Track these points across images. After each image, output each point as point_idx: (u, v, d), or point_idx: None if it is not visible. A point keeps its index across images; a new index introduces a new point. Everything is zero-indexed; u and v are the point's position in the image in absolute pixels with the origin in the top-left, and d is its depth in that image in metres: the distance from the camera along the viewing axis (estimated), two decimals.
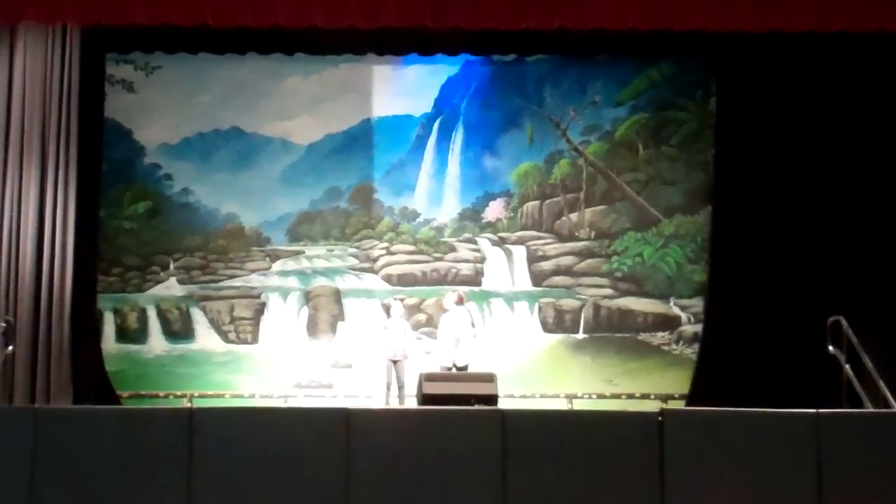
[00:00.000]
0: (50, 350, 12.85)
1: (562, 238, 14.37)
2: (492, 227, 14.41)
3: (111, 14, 11.70)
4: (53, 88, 13.20)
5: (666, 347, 14.12)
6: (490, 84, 14.49)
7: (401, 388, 12.61)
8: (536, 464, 7.97)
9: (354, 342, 13.99)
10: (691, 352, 13.92)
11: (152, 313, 14.14)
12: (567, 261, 14.32)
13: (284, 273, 14.31)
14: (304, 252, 14.36)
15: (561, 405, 13.28)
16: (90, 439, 7.99)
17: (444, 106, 14.48)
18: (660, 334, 14.14)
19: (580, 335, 14.18)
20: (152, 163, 14.30)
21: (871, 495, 7.93)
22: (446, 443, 8.01)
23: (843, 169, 13.23)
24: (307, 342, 14.09)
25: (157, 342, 14.10)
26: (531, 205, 14.43)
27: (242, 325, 14.15)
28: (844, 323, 10.87)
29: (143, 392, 13.59)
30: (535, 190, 14.45)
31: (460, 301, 12.82)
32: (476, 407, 10.15)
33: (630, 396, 13.68)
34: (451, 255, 14.37)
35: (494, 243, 14.40)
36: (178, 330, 14.13)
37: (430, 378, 11.32)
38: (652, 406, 12.91)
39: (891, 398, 10.17)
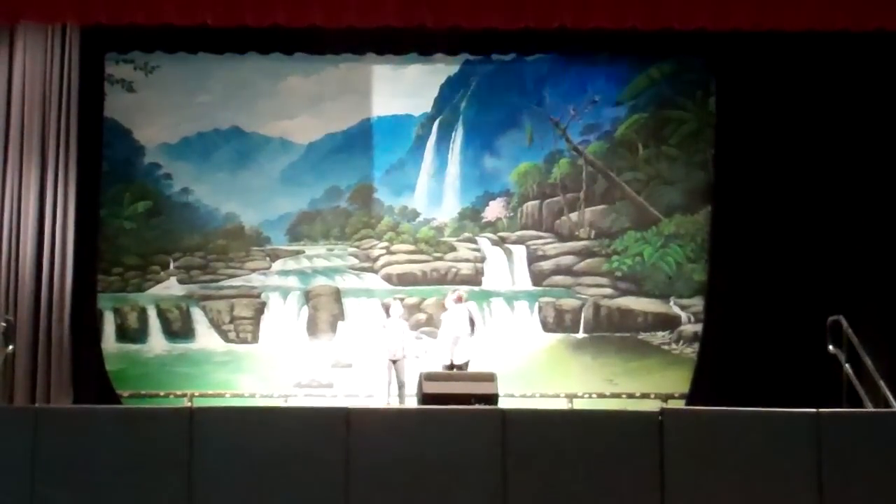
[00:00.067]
0: (50, 350, 12.85)
1: (562, 237, 14.37)
2: (492, 226, 14.41)
3: (111, 14, 11.70)
4: (53, 88, 13.20)
5: (666, 347, 14.12)
6: (490, 83, 14.48)
7: (401, 387, 12.62)
8: (537, 463, 7.97)
9: (354, 342, 13.99)
10: (691, 351, 13.92)
11: (152, 313, 14.14)
12: (567, 260, 14.32)
13: (284, 272, 14.31)
14: (304, 251, 14.36)
15: (561, 405, 13.28)
16: (90, 439, 7.99)
17: (444, 105, 14.47)
18: (660, 334, 14.14)
19: (580, 335, 14.18)
20: (152, 162, 14.30)
21: (872, 495, 7.94)
22: (446, 442, 8.01)
23: (843, 168, 13.22)
24: (307, 342, 14.09)
25: (157, 342, 14.10)
26: (531, 204, 14.42)
27: (242, 324, 14.15)
28: (844, 322, 10.87)
29: (143, 391, 13.59)
30: (534, 189, 14.45)
31: (459, 300, 12.82)
32: (476, 406, 10.15)
33: (630, 396, 13.68)
34: (451, 255, 14.36)
35: (494, 243, 14.40)
36: (179, 329, 14.13)
37: (430, 377, 11.32)
38: (652, 405, 12.91)
39: (891, 398, 10.17)
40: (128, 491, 7.89)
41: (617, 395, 13.68)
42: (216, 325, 14.13)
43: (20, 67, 13.17)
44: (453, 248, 14.38)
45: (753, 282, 13.24)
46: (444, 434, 8.08)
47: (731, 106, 13.76)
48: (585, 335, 14.18)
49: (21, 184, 13.07)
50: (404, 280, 14.29)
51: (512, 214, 14.40)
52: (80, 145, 13.23)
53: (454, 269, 14.32)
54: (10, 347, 12.05)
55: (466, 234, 14.39)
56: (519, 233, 14.39)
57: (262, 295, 14.22)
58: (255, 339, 14.12)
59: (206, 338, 14.12)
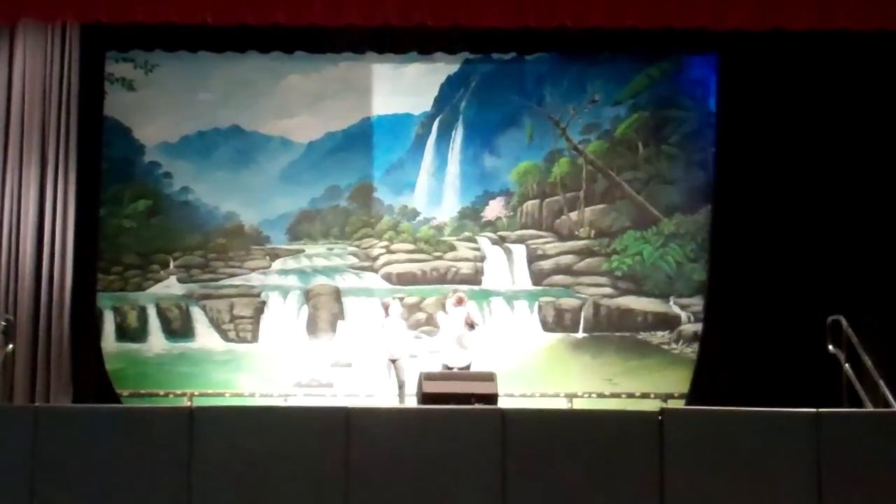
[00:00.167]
0: (50, 349, 12.84)
1: (561, 237, 14.36)
2: (491, 225, 14.41)
3: (111, 12, 11.70)
4: (53, 87, 13.19)
5: (666, 346, 14.12)
6: (490, 82, 14.46)
7: (400, 386, 12.62)
8: (536, 462, 7.98)
9: (354, 341, 13.98)
10: (691, 351, 13.91)
11: (152, 312, 14.13)
12: (567, 260, 14.32)
13: (284, 272, 14.31)
14: (303, 251, 14.35)
15: (561, 404, 13.28)
16: (90, 438, 7.99)
17: (444, 104, 14.46)
18: (659, 333, 14.13)
19: (580, 334, 14.18)
20: (152, 161, 14.29)
21: (871, 494, 7.94)
22: (446, 442, 8.01)
23: (843, 168, 13.21)
24: (307, 341, 14.08)
25: (156, 341, 14.10)
26: (531, 203, 14.42)
27: (242, 323, 14.15)
28: (844, 322, 10.88)
29: (142, 391, 13.58)
30: (534, 189, 14.44)
31: (459, 302, 12.81)
32: (476, 406, 10.15)
33: (630, 395, 13.67)
34: (450, 254, 14.36)
35: (494, 242, 14.39)
36: (178, 329, 14.13)
37: (429, 377, 11.32)
38: (652, 405, 12.90)
39: (890, 397, 10.17)
40: (127, 490, 7.89)
41: (617, 395, 13.68)
42: (216, 325, 14.13)
43: (20, 66, 13.16)
44: (453, 248, 14.37)
45: (753, 281, 13.23)
46: (443, 434, 8.08)
47: (732, 105, 13.74)
48: (585, 335, 14.17)
49: (21, 182, 13.06)
50: (404, 279, 14.29)
51: (512, 214, 14.39)
52: (79, 144, 13.22)
53: (454, 269, 14.32)
54: (10, 346, 12.05)
55: (466, 234, 14.39)
56: (519, 232, 14.39)
57: (262, 294, 14.22)
58: (254, 339, 14.12)
59: (205, 337, 14.11)
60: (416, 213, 14.42)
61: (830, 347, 10.97)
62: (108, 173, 13.93)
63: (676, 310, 14.15)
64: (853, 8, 11.40)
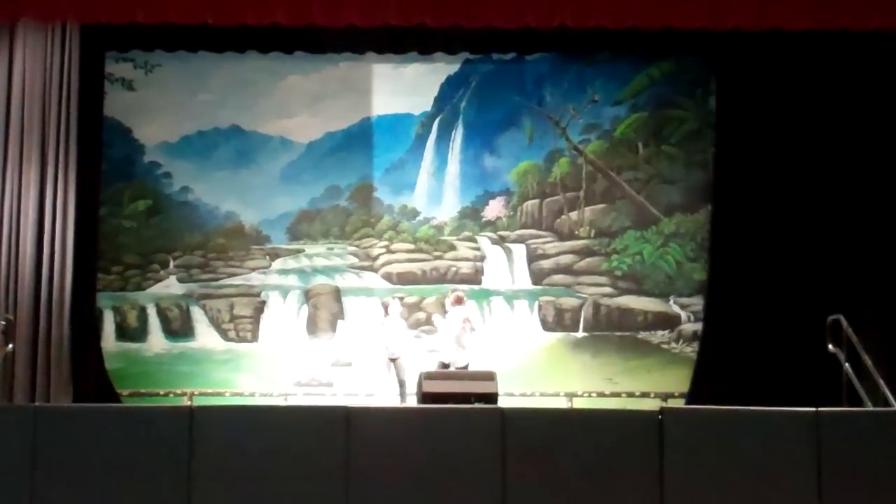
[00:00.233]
0: (50, 348, 12.85)
1: (561, 237, 14.37)
2: (491, 225, 14.41)
3: (111, 12, 11.71)
4: (53, 87, 13.20)
5: (666, 346, 14.13)
6: (490, 82, 14.48)
7: (401, 385, 12.63)
8: (536, 462, 7.97)
9: (354, 340, 13.99)
10: (691, 350, 13.92)
11: (152, 311, 14.14)
12: (567, 259, 14.32)
13: (284, 271, 14.31)
14: (303, 250, 14.36)
15: (561, 403, 13.28)
16: (90, 438, 7.99)
17: (444, 104, 14.47)
18: (659, 333, 14.14)
19: (580, 334, 14.19)
20: (152, 161, 14.30)
21: (871, 494, 7.93)
22: (446, 441, 8.01)
23: (842, 167, 13.23)
24: (307, 340, 14.09)
25: (156, 340, 14.11)
26: (531, 203, 14.43)
27: (242, 323, 14.16)
28: (844, 322, 10.87)
29: (142, 390, 13.59)
30: (534, 188, 14.45)
31: (458, 301, 12.83)
32: (476, 405, 10.15)
33: (630, 395, 13.68)
34: (450, 254, 14.37)
35: (494, 242, 14.40)
36: (178, 328, 14.14)
37: (429, 376, 11.32)
38: (652, 404, 12.90)
39: (890, 397, 10.17)
40: (127, 489, 7.89)
41: (616, 394, 13.69)
42: (216, 324, 14.13)
43: (20, 66, 13.17)
44: (453, 247, 14.38)
45: (753, 281, 13.24)
46: (443, 433, 8.07)
47: (732, 105, 13.75)
48: (585, 334, 14.18)
49: (21, 182, 13.07)
50: (404, 279, 14.29)
51: (512, 213, 14.40)
52: (79, 144, 13.23)
53: (454, 268, 14.33)
54: (10, 346, 12.06)
55: (466, 233, 14.39)
56: (519, 232, 14.40)
57: (262, 294, 14.23)
58: (254, 338, 14.12)
59: (205, 336, 14.12)
60: (416, 213, 14.42)
61: (830, 347, 10.96)
62: (108, 173, 13.94)
63: (676, 309, 14.16)
64: (852, 8, 11.40)
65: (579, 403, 13.28)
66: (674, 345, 14.11)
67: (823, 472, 7.93)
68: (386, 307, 13.41)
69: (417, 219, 14.42)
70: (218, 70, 14.27)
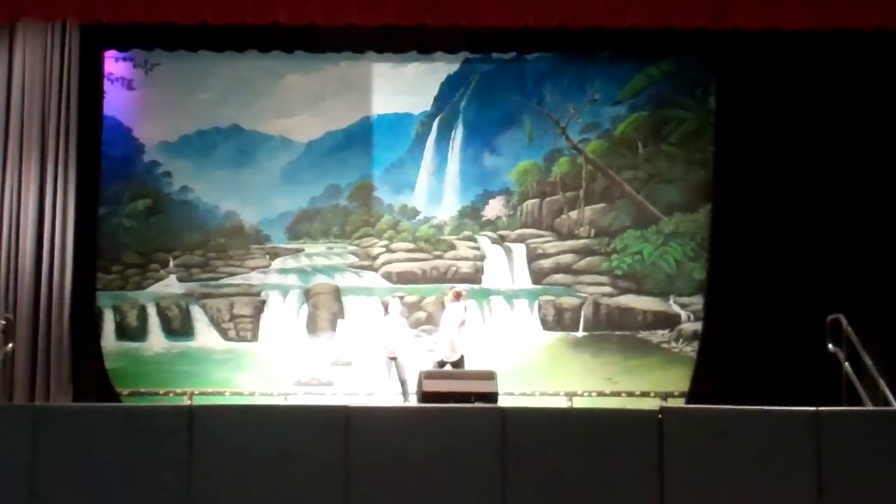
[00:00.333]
0: (50, 348, 12.85)
1: (561, 236, 14.37)
2: (491, 224, 14.41)
3: (110, 11, 11.72)
4: (52, 86, 13.19)
5: (666, 345, 14.13)
6: (490, 82, 14.48)
7: (402, 384, 12.64)
8: (536, 461, 7.97)
9: (354, 340, 13.99)
10: (691, 350, 13.92)
11: (152, 311, 14.14)
12: (567, 259, 14.32)
13: (284, 271, 14.31)
14: (303, 250, 14.36)
15: (561, 403, 13.28)
16: (90, 437, 7.99)
17: (444, 104, 14.47)
18: (659, 332, 14.14)
19: (580, 333, 14.19)
20: (152, 160, 14.30)
21: (871, 493, 7.93)
22: (446, 440, 8.01)
23: (842, 167, 13.22)
24: (307, 340, 14.09)
25: (156, 340, 14.10)
26: (531, 203, 14.43)
27: (242, 322, 14.15)
28: (844, 321, 10.86)
29: (142, 390, 13.59)
30: (534, 188, 14.45)
31: (456, 297, 12.85)
32: (476, 405, 10.15)
33: (630, 394, 13.68)
34: (450, 253, 14.37)
35: (494, 241, 14.40)
36: (178, 327, 14.14)
37: (429, 376, 11.33)
38: (651, 404, 12.91)
39: (890, 396, 10.17)
40: (127, 489, 7.89)
41: (616, 394, 13.69)
42: (216, 324, 14.13)
43: (20, 65, 13.17)
44: (453, 247, 14.38)
45: (753, 280, 13.24)
46: (443, 432, 8.07)
47: (731, 104, 13.75)
48: (585, 333, 14.18)
49: (21, 181, 13.06)
50: (404, 278, 14.29)
51: (512, 213, 14.40)
52: (79, 143, 13.22)
53: (454, 268, 14.33)
54: (10, 345, 12.06)
55: (466, 233, 14.40)
56: (519, 231, 14.40)
57: (262, 293, 14.23)
58: (254, 338, 14.12)
59: (205, 336, 14.12)
60: (415, 213, 14.42)
61: (830, 346, 10.96)
62: (107, 172, 13.93)
63: (676, 308, 14.16)
64: (852, 7, 11.40)
65: (579, 403, 13.28)
66: (674, 344, 14.11)
67: (823, 471, 7.93)
68: (386, 306, 13.42)
69: (417, 218, 14.42)
70: (218, 69, 14.27)
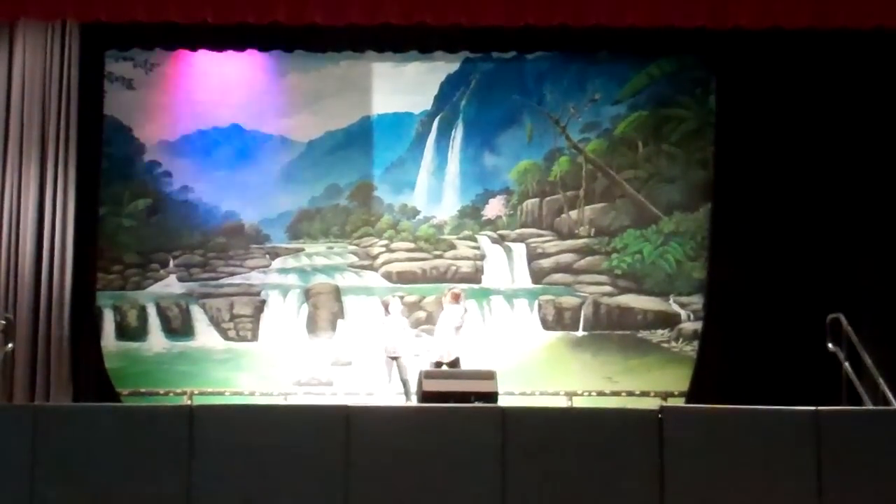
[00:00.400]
0: (49, 348, 12.84)
1: (561, 235, 14.37)
2: (491, 224, 14.41)
3: (111, 11, 11.68)
4: (53, 85, 13.19)
5: (666, 345, 14.12)
6: (490, 81, 14.48)
7: (404, 384, 12.64)
8: (536, 461, 7.97)
9: (354, 339, 13.99)
10: (691, 349, 13.92)
11: (152, 311, 14.14)
12: (567, 258, 14.32)
13: (284, 270, 14.31)
14: (303, 249, 14.36)
15: (561, 402, 13.28)
16: (90, 437, 7.99)
17: (444, 103, 14.47)
18: (659, 332, 14.14)
19: (580, 333, 14.18)
20: (152, 160, 14.30)
21: (871, 493, 7.93)
22: (446, 440, 8.01)
23: (842, 166, 13.22)
24: (307, 340, 14.09)
25: (156, 340, 14.10)
26: (531, 202, 14.43)
27: (242, 322, 14.15)
28: (844, 320, 10.87)
29: (142, 389, 13.59)
30: (534, 187, 14.45)
31: (454, 299, 12.85)
32: (476, 404, 10.15)
33: (630, 394, 13.68)
34: (450, 253, 14.37)
35: (494, 241, 14.40)
36: (178, 327, 14.14)
37: (429, 375, 11.34)
38: (651, 403, 12.88)
39: (890, 396, 10.17)
40: (127, 489, 7.89)
41: (616, 393, 13.69)
42: (216, 323, 14.13)
43: (20, 64, 13.17)
44: (453, 246, 14.38)
45: (753, 279, 13.24)
46: (443, 432, 8.07)
47: (731, 104, 13.75)
48: (585, 333, 14.18)
49: (21, 181, 13.06)
50: (404, 278, 14.29)
51: (512, 212, 14.40)
52: (79, 143, 13.22)
53: (454, 267, 14.32)
54: (10, 345, 12.05)
55: (466, 232, 14.39)
56: (519, 231, 14.40)
57: (262, 293, 14.23)
58: (254, 337, 14.12)
59: (205, 336, 14.12)
60: (416, 212, 14.42)
61: (830, 345, 10.96)
62: (107, 172, 13.94)
63: (676, 308, 14.16)
64: (852, 6, 11.38)
65: (579, 402, 13.29)
66: (674, 343, 14.11)
67: (823, 470, 7.93)
68: (386, 306, 13.42)
69: (417, 218, 14.42)
70: (218, 69, 14.26)
